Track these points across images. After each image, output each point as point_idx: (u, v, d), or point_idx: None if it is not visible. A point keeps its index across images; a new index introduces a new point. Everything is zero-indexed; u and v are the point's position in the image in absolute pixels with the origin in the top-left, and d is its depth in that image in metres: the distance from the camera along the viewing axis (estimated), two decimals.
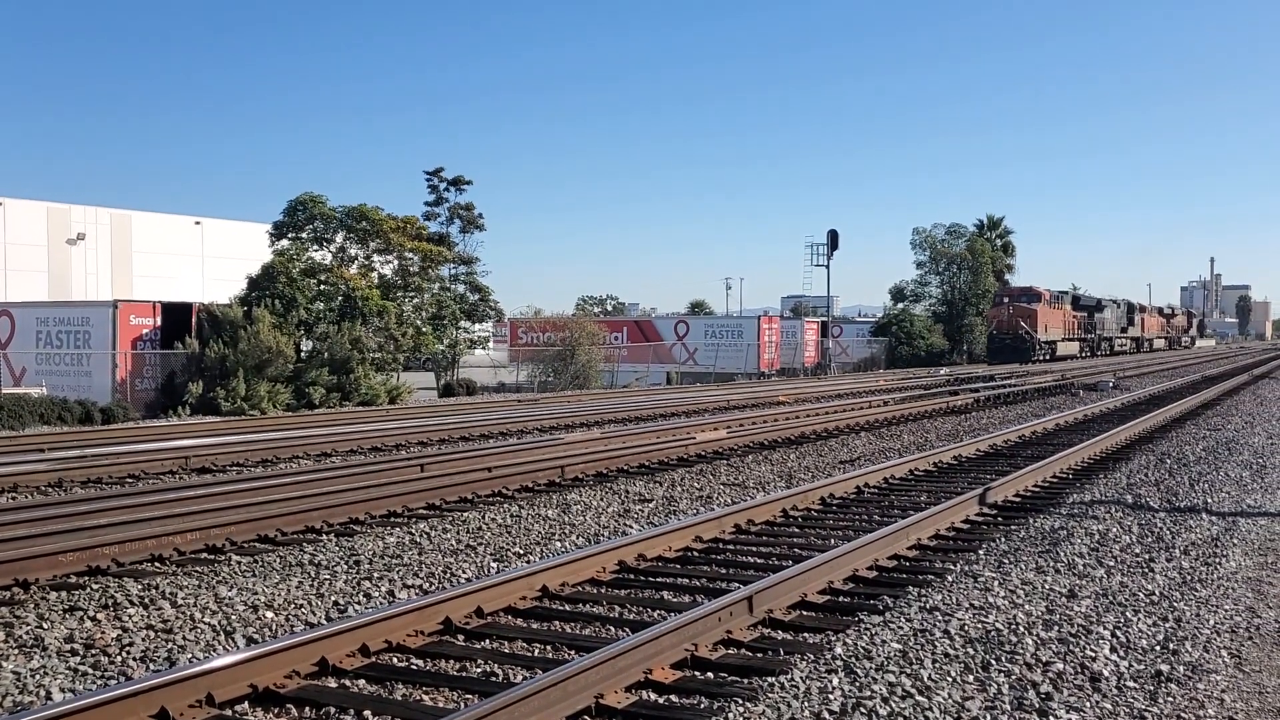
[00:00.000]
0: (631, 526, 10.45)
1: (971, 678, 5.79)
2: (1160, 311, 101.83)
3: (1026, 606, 7.18)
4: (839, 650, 6.18)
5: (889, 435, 19.44)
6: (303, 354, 29.01)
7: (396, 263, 36.52)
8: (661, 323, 53.46)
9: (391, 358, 32.37)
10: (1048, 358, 58.72)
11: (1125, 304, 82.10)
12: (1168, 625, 6.86)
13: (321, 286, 31.94)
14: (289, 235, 34.75)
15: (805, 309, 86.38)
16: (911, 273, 72.42)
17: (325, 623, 6.95)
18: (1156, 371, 47.00)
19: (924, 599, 7.33)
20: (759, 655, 6.25)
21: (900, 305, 67.46)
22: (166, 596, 7.59)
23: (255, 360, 26.65)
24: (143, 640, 6.58)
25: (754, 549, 9.27)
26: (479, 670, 6.04)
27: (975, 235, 77.38)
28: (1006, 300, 59.92)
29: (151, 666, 6.13)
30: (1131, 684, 5.75)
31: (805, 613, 7.17)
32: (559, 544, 9.63)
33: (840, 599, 7.52)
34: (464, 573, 8.45)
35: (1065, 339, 63.35)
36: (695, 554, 9.01)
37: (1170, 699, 5.56)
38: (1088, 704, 5.45)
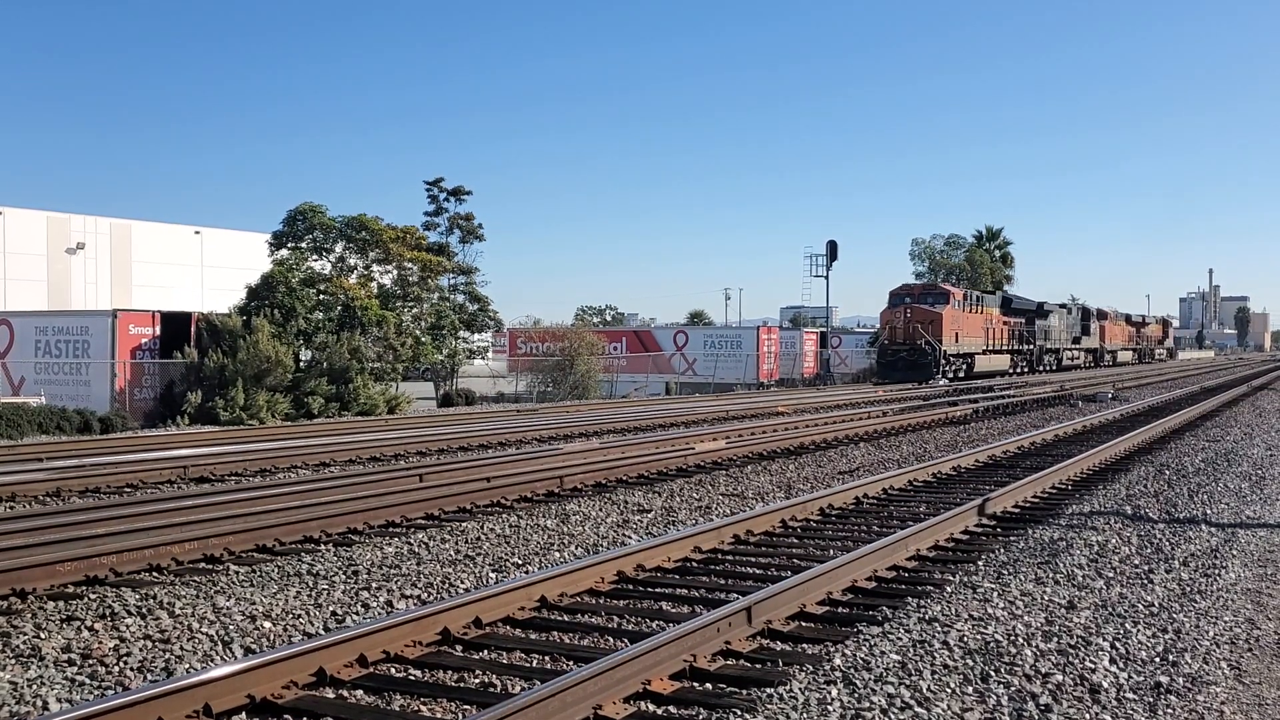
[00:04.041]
0: (630, 537, 10.44)
1: (971, 689, 5.78)
2: (1129, 319, 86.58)
3: (1026, 618, 7.17)
4: (838, 661, 6.17)
5: (888, 446, 19.43)
6: (301, 364, 29.02)
7: (396, 273, 36.57)
8: (660, 333, 53.47)
9: (390, 368, 32.38)
10: (960, 375, 46.98)
11: (1079, 309, 69.94)
12: (1167, 637, 6.85)
13: (321, 296, 31.95)
14: (288, 245, 34.82)
15: (804, 319, 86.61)
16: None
17: (323, 633, 6.94)
18: (1154, 383, 47.02)
19: (923, 610, 7.32)
20: (758, 666, 6.24)
21: None
22: (164, 606, 7.58)
23: (254, 370, 26.66)
24: (140, 650, 6.57)
25: (753, 560, 9.26)
26: (477, 681, 6.03)
27: (974, 246, 77.56)
28: (907, 301, 46.64)
29: (149, 677, 6.11)
30: (1131, 695, 5.74)
31: (804, 623, 7.16)
32: (558, 554, 9.61)
33: (839, 610, 7.51)
34: (462, 583, 8.44)
35: (989, 350, 50.74)
36: (694, 564, 8.99)
37: (1170, 711, 5.55)
38: (1087, 715, 5.44)
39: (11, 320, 30.28)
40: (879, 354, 47.58)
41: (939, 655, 6.31)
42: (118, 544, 9.07)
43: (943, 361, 44.85)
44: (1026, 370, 56.12)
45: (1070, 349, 65.11)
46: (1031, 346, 57.30)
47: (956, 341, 46.51)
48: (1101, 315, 74.53)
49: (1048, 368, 59.88)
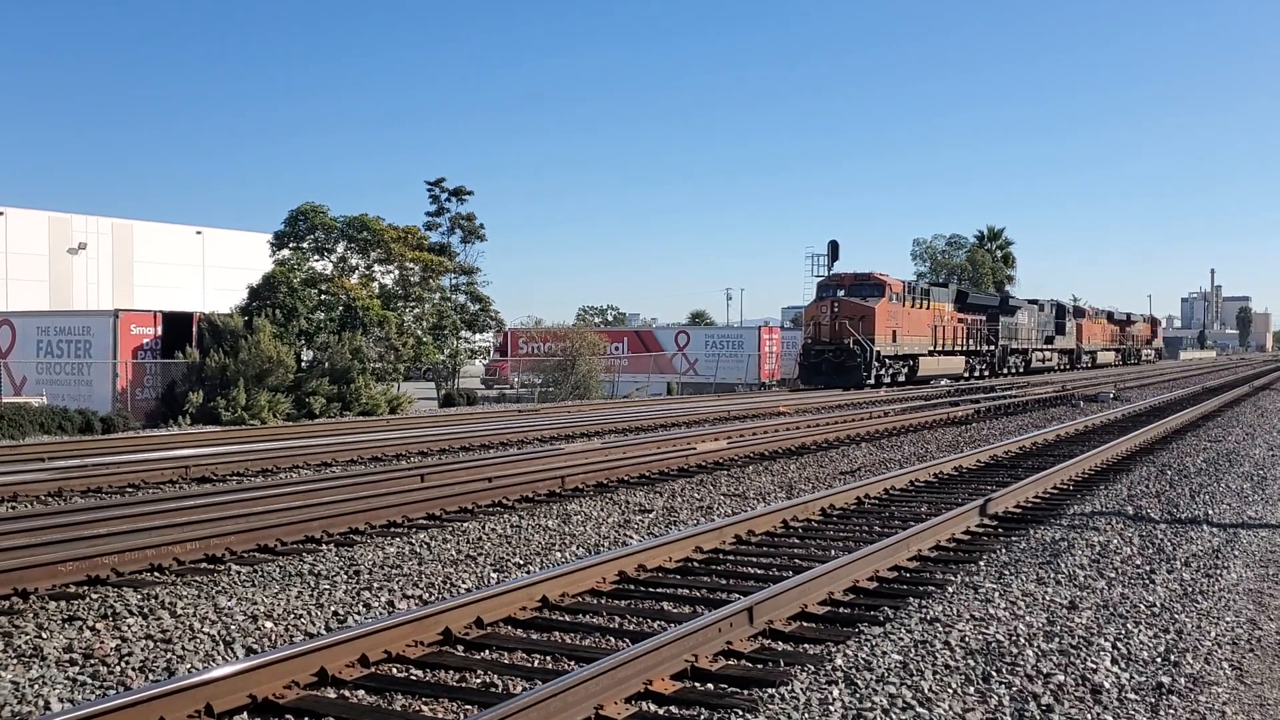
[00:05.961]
0: (632, 537, 10.44)
1: (972, 689, 5.78)
2: (1110, 317, 79.74)
3: (1027, 618, 7.17)
4: (839, 661, 6.17)
5: (890, 446, 19.43)
6: (303, 364, 29.04)
7: (397, 273, 36.61)
8: (662, 333, 53.43)
9: (392, 368, 32.42)
10: (901, 380, 41.34)
11: (1053, 306, 63.68)
12: (1169, 637, 6.85)
13: (322, 296, 32.00)
14: (290, 245, 34.90)
15: None
16: None
17: (325, 633, 6.94)
18: (1156, 383, 46.98)
19: (924, 610, 7.32)
20: (759, 666, 6.24)
21: None
22: (166, 606, 7.58)
23: (256, 370, 26.68)
24: (142, 650, 6.57)
25: (754, 560, 9.26)
26: (478, 681, 6.03)
27: (975, 246, 77.64)
28: (837, 293, 40.43)
29: (150, 677, 6.11)
30: (1133, 696, 5.74)
31: (806, 624, 7.15)
32: (559, 554, 9.61)
33: (841, 610, 7.51)
34: (464, 583, 8.44)
35: (937, 351, 44.56)
36: (695, 564, 8.99)
37: (1172, 711, 5.55)
38: (1089, 716, 5.43)
39: (13, 320, 30.31)
40: (801, 354, 41.32)
41: (940, 655, 6.31)
42: (119, 544, 9.07)
43: (875, 363, 39.05)
44: (987, 374, 50.20)
45: (1041, 349, 59.40)
46: (994, 347, 51.07)
47: (894, 341, 40.57)
48: (1079, 313, 69.37)
49: (1013, 370, 54.03)
